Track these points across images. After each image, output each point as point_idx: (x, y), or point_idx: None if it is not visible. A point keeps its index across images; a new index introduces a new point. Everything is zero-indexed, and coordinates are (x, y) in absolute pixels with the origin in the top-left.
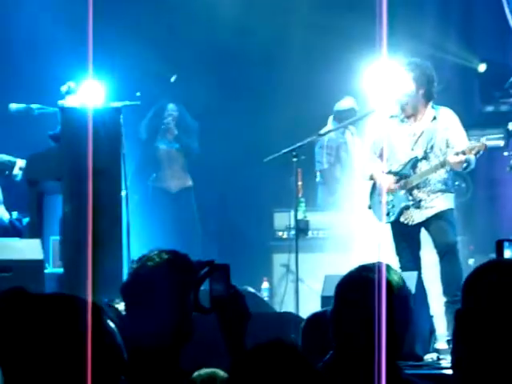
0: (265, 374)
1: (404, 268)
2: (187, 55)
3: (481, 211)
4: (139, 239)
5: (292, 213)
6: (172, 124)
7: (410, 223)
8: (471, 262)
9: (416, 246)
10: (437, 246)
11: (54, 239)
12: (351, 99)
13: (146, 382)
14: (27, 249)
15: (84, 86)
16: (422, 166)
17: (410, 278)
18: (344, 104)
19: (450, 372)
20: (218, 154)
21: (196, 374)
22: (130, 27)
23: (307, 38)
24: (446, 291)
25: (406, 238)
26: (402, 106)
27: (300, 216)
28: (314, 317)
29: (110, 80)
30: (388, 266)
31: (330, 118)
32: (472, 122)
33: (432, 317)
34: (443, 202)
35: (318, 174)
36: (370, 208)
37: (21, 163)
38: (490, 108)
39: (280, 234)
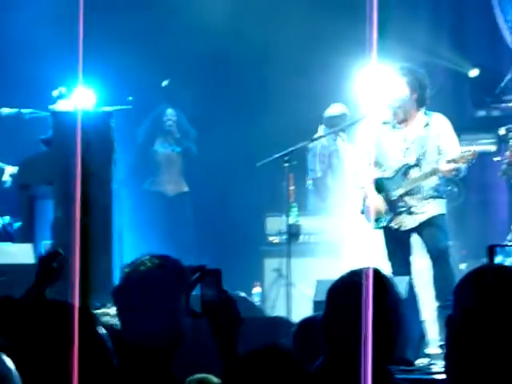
0: (259, 380)
1: (396, 273)
2: (180, 60)
3: (473, 216)
4: (133, 243)
5: (284, 217)
6: (174, 127)
7: (402, 229)
8: (463, 266)
9: (407, 251)
10: (429, 251)
11: (46, 243)
12: (341, 105)
13: None
14: (19, 253)
15: (75, 91)
16: (414, 173)
17: (401, 283)
18: (334, 110)
19: (441, 377)
20: (211, 159)
21: (189, 379)
22: (124, 32)
23: (300, 42)
24: (439, 296)
25: (397, 243)
26: (394, 111)
27: (292, 221)
28: (306, 322)
29: (101, 85)
30: (378, 271)
31: (321, 127)
32: (464, 127)
33: (423, 322)
34: (435, 208)
35: (309, 181)
36: (362, 213)
37: (11, 170)
38: (481, 113)
39: (272, 238)
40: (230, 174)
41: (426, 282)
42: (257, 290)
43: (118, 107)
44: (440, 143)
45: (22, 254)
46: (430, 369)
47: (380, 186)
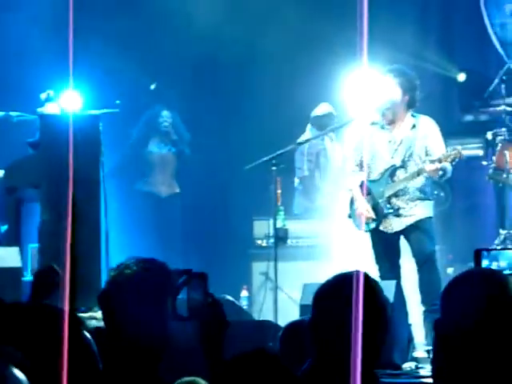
0: None
1: (383, 277)
2: (167, 64)
3: (460, 220)
4: (122, 245)
5: (271, 221)
6: (170, 128)
7: (389, 231)
8: (450, 270)
9: (395, 254)
10: (415, 255)
11: (33, 247)
12: (328, 105)
13: None
14: (5, 256)
15: (64, 94)
16: (401, 175)
17: (389, 287)
18: (321, 110)
19: (428, 381)
20: (200, 161)
21: (176, 383)
22: (111, 35)
23: (288, 46)
24: (425, 300)
25: (385, 246)
26: (383, 112)
27: (279, 224)
28: (292, 325)
29: (87, 88)
30: (366, 275)
31: (308, 126)
32: (451, 131)
33: (410, 325)
34: (422, 210)
35: (296, 180)
36: (350, 217)
37: None
38: (469, 117)
39: (259, 242)
40: (217, 178)
41: (414, 285)
42: (244, 293)
43: (106, 110)
44: (427, 144)
45: (8, 257)
46: (417, 373)
47: (367, 188)
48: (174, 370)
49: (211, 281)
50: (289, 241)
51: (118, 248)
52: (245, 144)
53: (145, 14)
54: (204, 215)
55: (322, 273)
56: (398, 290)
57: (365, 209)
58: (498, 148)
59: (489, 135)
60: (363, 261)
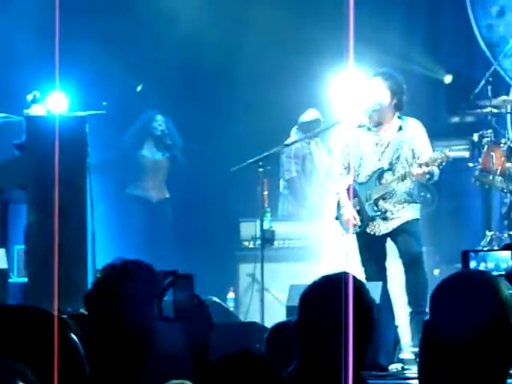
0: None
1: (370, 278)
2: (153, 67)
3: (446, 222)
4: (109, 248)
5: (258, 222)
6: (165, 133)
7: (376, 234)
8: (437, 272)
9: (382, 256)
10: (402, 256)
11: (19, 248)
12: (315, 111)
13: None
14: None
15: (50, 95)
16: (388, 177)
17: (375, 289)
18: (309, 115)
19: (414, 382)
20: (187, 165)
21: None
22: (98, 37)
23: (274, 48)
24: (411, 302)
25: (371, 248)
26: (370, 114)
27: (266, 226)
28: (278, 326)
29: (74, 90)
30: (352, 276)
31: (294, 129)
32: (438, 133)
33: (397, 327)
34: (409, 213)
35: (282, 183)
36: (337, 219)
37: None
38: (455, 119)
39: (246, 243)
40: (203, 179)
41: (401, 286)
42: (231, 295)
43: (92, 112)
44: (414, 147)
45: None
46: (403, 374)
47: (354, 191)
48: (159, 372)
49: (198, 282)
50: (275, 242)
51: (105, 250)
52: (231, 146)
53: (131, 16)
54: (191, 217)
55: (309, 274)
56: (384, 291)
57: (351, 215)
58: (484, 150)
59: (475, 137)
60: (350, 262)
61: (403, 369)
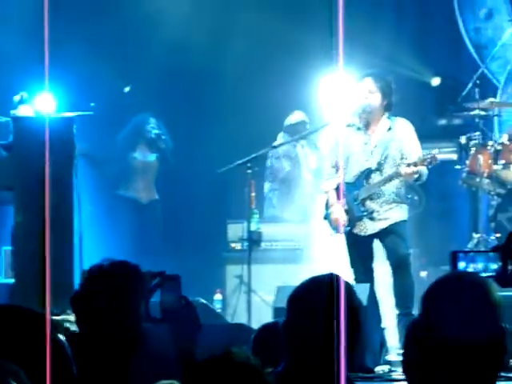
0: None
1: (358, 280)
2: (140, 68)
3: (433, 224)
4: (98, 249)
5: (245, 224)
6: (159, 136)
7: (363, 234)
8: (424, 274)
9: (369, 257)
10: (389, 257)
11: (6, 249)
12: (301, 113)
13: None
14: None
15: (38, 96)
16: (376, 178)
17: (362, 290)
18: (294, 118)
19: None
20: (172, 165)
21: None
22: (86, 38)
23: (262, 49)
24: (399, 304)
25: (359, 249)
26: (359, 115)
27: (253, 227)
28: (265, 328)
29: (61, 90)
30: (339, 277)
31: (280, 134)
32: (425, 135)
33: (383, 329)
34: (397, 214)
35: (266, 186)
36: (325, 218)
37: None
38: (443, 121)
39: (233, 245)
40: (191, 181)
41: (388, 288)
42: (218, 296)
43: (80, 113)
44: (403, 147)
45: None
46: (389, 376)
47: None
48: (146, 372)
49: (185, 284)
50: (263, 244)
51: (93, 251)
52: (218, 148)
53: (118, 18)
54: (178, 218)
55: (296, 275)
56: (371, 293)
57: (340, 214)
58: (472, 152)
59: (462, 139)
60: (338, 264)
61: (390, 370)
